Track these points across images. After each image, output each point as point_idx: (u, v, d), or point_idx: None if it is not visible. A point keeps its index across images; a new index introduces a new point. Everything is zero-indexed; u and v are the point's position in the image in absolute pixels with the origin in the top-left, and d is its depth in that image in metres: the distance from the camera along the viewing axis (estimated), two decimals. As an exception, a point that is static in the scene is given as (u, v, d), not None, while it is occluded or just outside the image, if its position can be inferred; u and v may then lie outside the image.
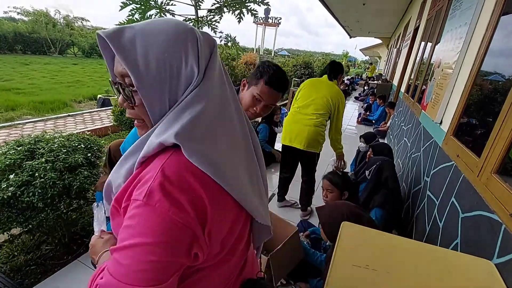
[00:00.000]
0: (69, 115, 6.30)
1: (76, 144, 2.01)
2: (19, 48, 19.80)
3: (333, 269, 0.92)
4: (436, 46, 3.01)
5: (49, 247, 2.01)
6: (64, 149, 1.87)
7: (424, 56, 3.75)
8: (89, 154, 2.05)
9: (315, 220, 2.47)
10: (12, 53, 18.79)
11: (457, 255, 1.03)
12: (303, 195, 2.72)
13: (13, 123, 5.20)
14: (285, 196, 2.86)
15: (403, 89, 5.08)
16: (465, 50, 1.91)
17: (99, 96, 7.42)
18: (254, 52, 21.18)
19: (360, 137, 3.29)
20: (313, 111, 2.40)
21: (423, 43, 4.04)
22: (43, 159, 1.74)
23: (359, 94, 11.68)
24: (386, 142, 4.95)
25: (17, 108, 6.33)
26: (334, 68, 2.49)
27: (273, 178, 3.50)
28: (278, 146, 4.39)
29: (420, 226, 1.88)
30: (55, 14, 23.75)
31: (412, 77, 4.34)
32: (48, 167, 1.71)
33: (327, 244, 1.92)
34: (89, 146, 2.12)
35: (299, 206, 2.79)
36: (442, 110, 2.07)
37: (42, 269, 1.85)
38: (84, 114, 6.54)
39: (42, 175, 1.66)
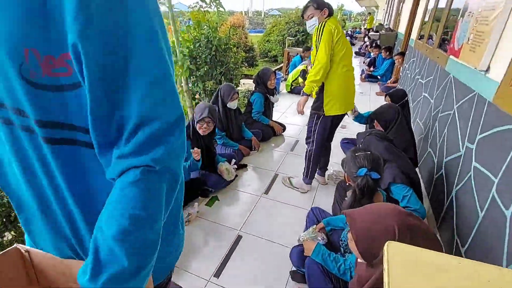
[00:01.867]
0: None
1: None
2: None
3: None
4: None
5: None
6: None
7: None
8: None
9: (326, 202, 2.05)
10: None
11: None
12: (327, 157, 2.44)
13: None
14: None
15: (413, 36, 4.43)
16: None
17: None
18: (243, 14, 19.62)
19: (386, 95, 2.59)
20: (351, 63, 1.97)
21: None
22: None
23: (359, 48, 10.78)
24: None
25: None
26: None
27: (275, 154, 3.05)
28: (276, 117, 3.87)
29: (466, 209, 1.46)
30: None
31: (426, 19, 3.70)
32: None
33: (344, 242, 1.51)
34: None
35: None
36: (490, 52, 1.55)
37: None
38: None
39: None
